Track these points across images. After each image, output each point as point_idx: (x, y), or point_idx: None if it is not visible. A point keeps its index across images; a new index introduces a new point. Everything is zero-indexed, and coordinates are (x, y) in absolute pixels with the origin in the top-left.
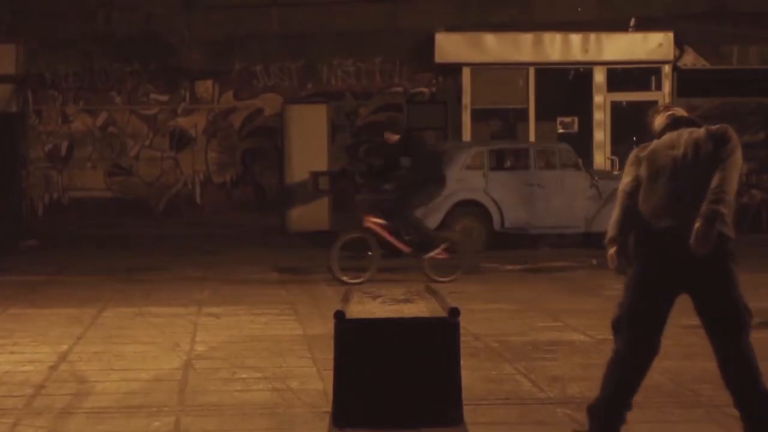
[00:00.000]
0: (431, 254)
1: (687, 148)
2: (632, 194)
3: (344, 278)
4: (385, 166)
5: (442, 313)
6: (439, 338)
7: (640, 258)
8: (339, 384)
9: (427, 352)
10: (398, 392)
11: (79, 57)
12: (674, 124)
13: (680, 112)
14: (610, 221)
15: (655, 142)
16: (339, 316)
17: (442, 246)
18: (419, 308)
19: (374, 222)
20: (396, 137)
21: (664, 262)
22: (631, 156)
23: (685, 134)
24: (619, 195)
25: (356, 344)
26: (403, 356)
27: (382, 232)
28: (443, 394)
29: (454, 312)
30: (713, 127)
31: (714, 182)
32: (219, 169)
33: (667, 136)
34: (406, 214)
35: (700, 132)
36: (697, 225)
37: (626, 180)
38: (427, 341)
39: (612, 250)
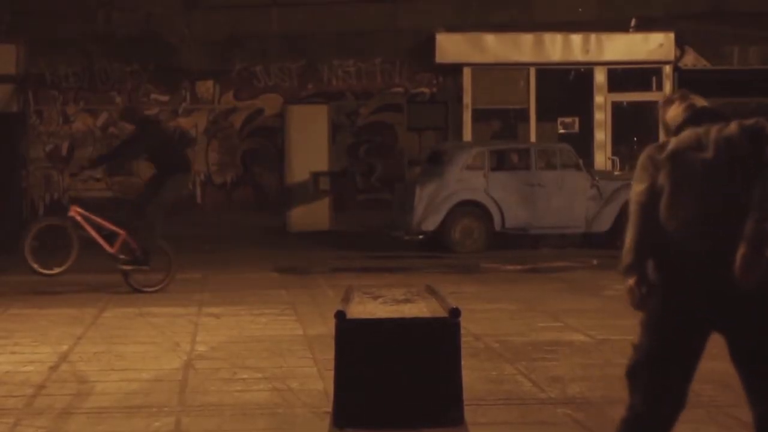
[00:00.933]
0: (135, 268)
1: (718, 149)
2: (649, 207)
3: (35, 266)
4: (106, 154)
5: (442, 313)
6: (439, 338)
7: (663, 288)
8: (339, 384)
9: (427, 352)
10: (399, 392)
11: (80, 57)
12: (696, 117)
13: (700, 101)
14: (626, 244)
15: (675, 141)
16: (340, 316)
17: (151, 265)
18: (420, 308)
19: (78, 212)
20: (131, 127)
21: (694, 294)
22: (644, 158)
23: (714, 131)
24: (633, 209)
25: (357, 344)
26: (404, 356)
27: (84, 223)
28: (444, 395)
29: (455, 312)
30: (747, 123)
31: (757, 193)
32: (219, 169)
33: (691, 134)
34: (142, 214)
35: (732, 129)
36: (742, 250)
37: (640, 188)
38: (427, 341)
39: (631, 281)
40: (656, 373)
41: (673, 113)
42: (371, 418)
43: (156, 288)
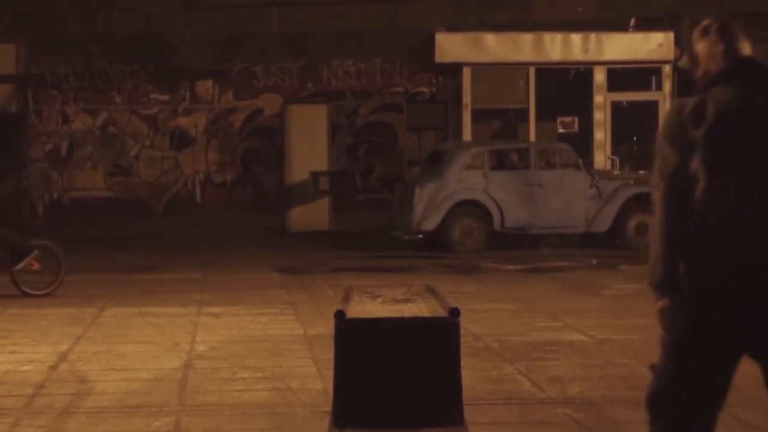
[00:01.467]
0: (21, 265)
1: None
2: (680, 193)
3: None
4: None
5: (442, 312)
6: (439, 338)
7: (694, 300)
8: (339, 384)
9: (427, 351)
10: (398, 392)
11: (80, 57)
12: (737, 72)
13: (744, 45)
14: (653, 247)
15: (715, 110)
16: (339, 315)
17: (33, 254)
18: (419, 308)
19: None
20: None
21: (729, 310)
22: (673, 122)
23: (761, 100)
24: (660, 197)
25: (356, 344)
26: (404, 356)
27: None
28: (443, 394)
29: (455, 312)
30: None
31: None
32: (219, 169)
33: (733, 97)
34: None
35: None
36: None
37: (667, 166)
38: (427, 341)
39: (663, 303)
40: (684, 403)
41: (707, 51)
42: (371, 418)
43: (46, 291)
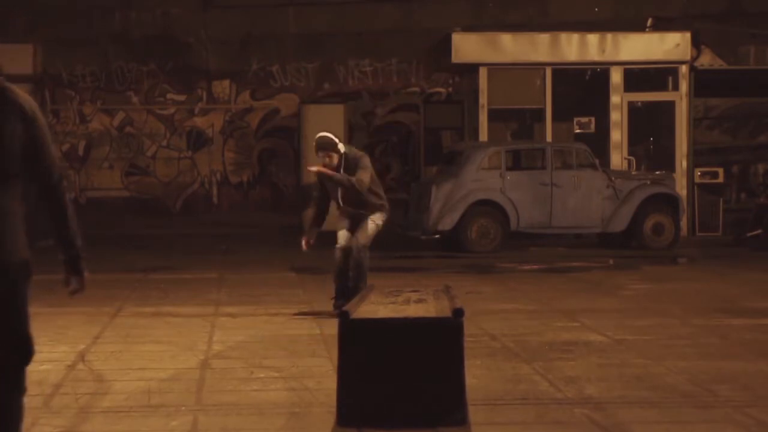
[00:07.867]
0: None
1: None
2: None
3: None
4: None
5: (448, 313)
6: (442, 338)
7: None
8: (343, 383)
9: (430, 352)
10: (401, 392)
11: (97, 57)
12: None
13: None
14: None
15: None
16: (343, 315)
17: None
18: (427, 308)
19: None
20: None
21: None
22: None
23: None
24: None
25: (359, 344)
26: (406, 356)
27: None
28: (447, 395)
29: (458, 312)
30: None
31: None
32: (236, 168)
33: None
34: None
35: None
36: None
37: None
38: (430, 341)
39: None
40: None
41: None
42: (374, 418)
43: None
